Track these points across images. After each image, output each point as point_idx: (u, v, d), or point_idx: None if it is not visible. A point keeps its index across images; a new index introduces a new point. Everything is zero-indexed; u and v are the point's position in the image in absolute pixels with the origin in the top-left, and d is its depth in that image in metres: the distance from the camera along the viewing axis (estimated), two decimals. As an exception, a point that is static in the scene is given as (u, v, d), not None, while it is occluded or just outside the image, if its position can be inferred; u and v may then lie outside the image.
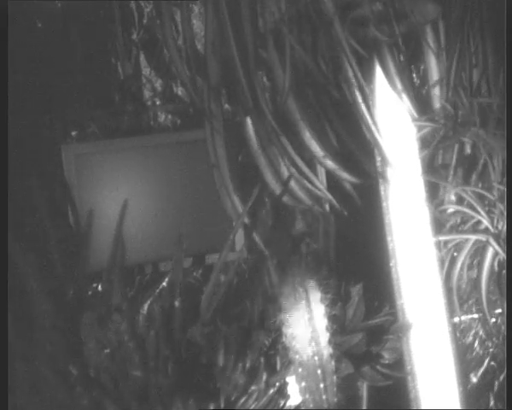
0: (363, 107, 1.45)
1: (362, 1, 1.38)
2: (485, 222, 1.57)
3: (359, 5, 1.38)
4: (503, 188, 1.56)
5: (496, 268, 1.61)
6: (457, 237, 1.61)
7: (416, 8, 1.41)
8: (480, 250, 1.62)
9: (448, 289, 1.59)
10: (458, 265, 1.61)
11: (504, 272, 1.62)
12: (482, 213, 1.57)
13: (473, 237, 1.59)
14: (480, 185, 1.62)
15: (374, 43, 1.43)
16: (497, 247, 1.55)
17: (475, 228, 1.61)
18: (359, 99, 1.44)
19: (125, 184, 1.65)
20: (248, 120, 1.55)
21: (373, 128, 1.47)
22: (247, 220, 1.60)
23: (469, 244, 1.60)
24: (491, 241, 1.56)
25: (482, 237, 1.58)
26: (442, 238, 1.59)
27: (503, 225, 1.57)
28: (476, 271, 1.65)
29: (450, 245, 1.61)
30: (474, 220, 1.60)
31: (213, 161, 1.58)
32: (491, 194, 1.59)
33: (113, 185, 1.64)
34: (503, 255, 1.56)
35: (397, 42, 1.46)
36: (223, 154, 1.57)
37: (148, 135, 1.69)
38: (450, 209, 1.64)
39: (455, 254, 1.62)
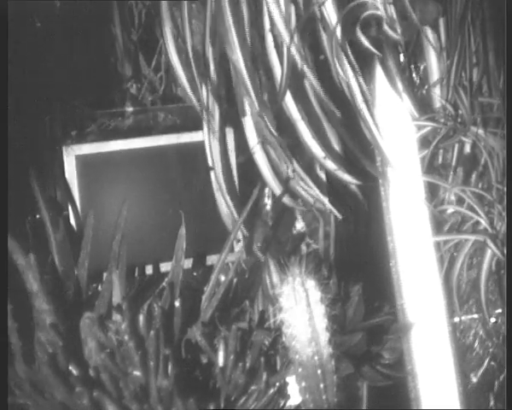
0: (363, 107, 1.45)
1: (365, 3, 1.38)
2: (484, 223, 1.57)
3: (364, 6, 1.38)
4: (502, 188, 1.56)
5: (494, 268, 1.61)
6: (455, 238, 1.61)
7: (417, 8, 1.41)
8: (478, 250, 1.62)
9: (448, 290, 1.59)
10: (458, 265, 1.61)
11: (503, 272, 1.62)
12: (481, 213, 1.57)
13: (471, 238, 1.59)
14: (480, 185, 1.63)
15: (375, 44, 1.43)
16: (493, 247, 1.55)
17: (474, 228, 1.61)
18: (359, 99, 1.44)
19: (126, 184, 1.65)
20: (248, 120, 1.55)
21: (373, 128, 1.47)
22: (246, 221, 1.60)
23: (468, 244, 1.60)
24: (489, 241, 1.56)
25: (480, 238, 1.58)
26: (440, 239, 1.59)
27: (501, 226, 1.57)
28: (476, 271, 1.65)
29: (449, 245, 1.61)
30: (473, 221, 1.60)
31: (211, 163, 1.59)
32: (489, 194, 1.59)
33: (114, 186, 1.64)
34: (499, 256, 1.56)
35: (399, 41, 1.46)
36: (218, 157, 1.57)
37: (147, 135, 1.69)
38: (450, 209, 1.64)
39: (455, 254, 1.63)
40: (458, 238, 1.61)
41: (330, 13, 1.37)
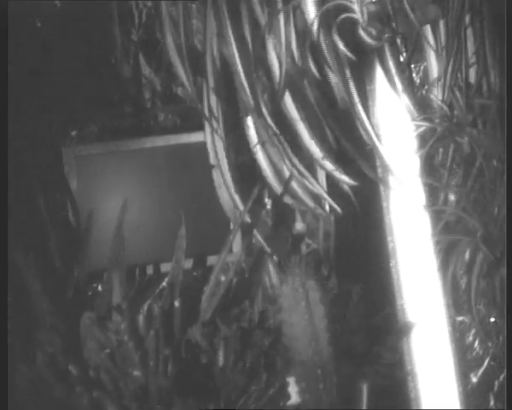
0: (360, 109, 1.45)
1: (352, 4, 1.38)
2: (476, 223, 1.57)
3: (350, 8, 1.38)
4: (494, 188, 1.57)
5: (485, 269, 1.61)
6: (448, 238, 1.61)
7: (417, 8, 1.41)
8: (471, 252, 1.62)
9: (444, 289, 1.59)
10: (451, 265, 1.61)
11: (494, 273, 1.62)
12: (474, 214, 1.58)
13: (463, 238, 1.60)
14: (477, 186, 1.63)
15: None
16: (484, 248, 1.56)
17: (468, 229, 1.61)
18: (356, 100, 1.44)
19: (126, 184, 1.65)
20: (248, 120, 1.55)
21: (370, 130, 1.47)
22: (246, 221, 1.60)
23: (461, 244, 1.60)
24: (479, 242, 1.56)
25: (472, 239, 1.58)
26: (434, 238, 1.59)
27: (493, 227, 1.57)
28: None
29: (442, 245, 1.61)
30: (467, 221, 1.60)
31: (213, 162, 1.59)
32: (483, 195, 1.59)
33: (113, 186, 1.64)
34: (490, 256, 1.56)
35: (395, 42, 1.46)
36: (223, 154, 1.58)
37: (147, 136, 1.69)
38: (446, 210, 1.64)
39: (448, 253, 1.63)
40: (451, 238, 1.61)
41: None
